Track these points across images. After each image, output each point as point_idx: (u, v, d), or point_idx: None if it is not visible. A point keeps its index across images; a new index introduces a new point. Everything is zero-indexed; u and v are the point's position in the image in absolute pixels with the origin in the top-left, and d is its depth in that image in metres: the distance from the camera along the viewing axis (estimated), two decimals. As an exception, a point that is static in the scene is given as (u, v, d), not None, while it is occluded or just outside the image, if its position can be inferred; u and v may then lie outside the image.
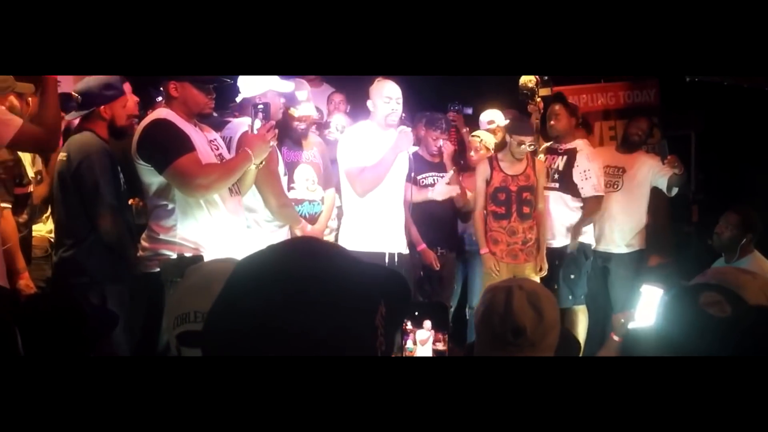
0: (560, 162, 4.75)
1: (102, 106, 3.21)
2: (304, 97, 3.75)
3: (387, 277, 0.88)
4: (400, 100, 3.81)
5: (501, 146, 4.59)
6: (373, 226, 3.76)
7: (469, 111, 5.35)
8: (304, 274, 0.80)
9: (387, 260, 3.72)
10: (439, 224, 4.56)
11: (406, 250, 3.86)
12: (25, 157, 3.44)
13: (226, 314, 0.81)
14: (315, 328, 0.77)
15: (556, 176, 4.75)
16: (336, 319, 0.78)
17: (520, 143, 4.38)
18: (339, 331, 0.78)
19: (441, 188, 4.02)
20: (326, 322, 0.77)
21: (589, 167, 4.67)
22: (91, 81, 3.24)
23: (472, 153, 4.94)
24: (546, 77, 5.30)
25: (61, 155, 3.22)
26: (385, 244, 3.75)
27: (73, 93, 3.26)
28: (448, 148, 4.57)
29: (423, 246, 4.44)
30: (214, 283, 1.37)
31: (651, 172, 4.84)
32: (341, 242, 3.86)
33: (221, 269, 1.33)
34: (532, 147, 4.50)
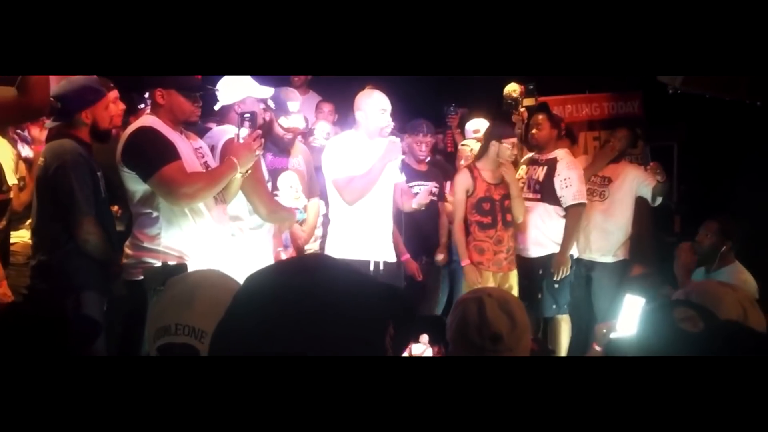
0: (541, 172, 4.77)
1: (84, 111, 3.17)
2: (295, 108, 3.74)
3: (394, 297, 0.88)
4: (390, 111, 3.82)
5: (481, 154, 4.55)
6: (360, 234, 3.76)
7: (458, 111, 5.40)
8: (315, 299, 0.80)
9: (372, 269, 3.73)
10: (424, 234, 4.57)
11: (391, 259, 3.86)
12: (7, 164, 3.41)
13: (233, 333, 0.81)
14: (326, 351, 0.77)
15: (537, 186, 4.75)
16: (347, 342, 0.78)
17: (513, 146, 4.39)
18: (350, 353, 0.78)
19: (421, 199, 4.03)
20: (338, 345, 0.78)
21: (569, 175, 4.67)
22: (68, 86, 3.17)
23: (462, 161, 4.96)
24: (531, 87, 5.34)
25: (39, 160, 3.21)
26: (371, 252, 3.76)
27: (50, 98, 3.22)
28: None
29: (407, 256, 4.45)
30: (196, 294, 1.38)
31: (636, 182, 4.87)
32: (327, 250, 3.87)
33: (204, 280, 1.33)
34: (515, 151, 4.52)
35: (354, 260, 3.70)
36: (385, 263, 3.79)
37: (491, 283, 4.41)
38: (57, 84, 3.18)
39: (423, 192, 4.03)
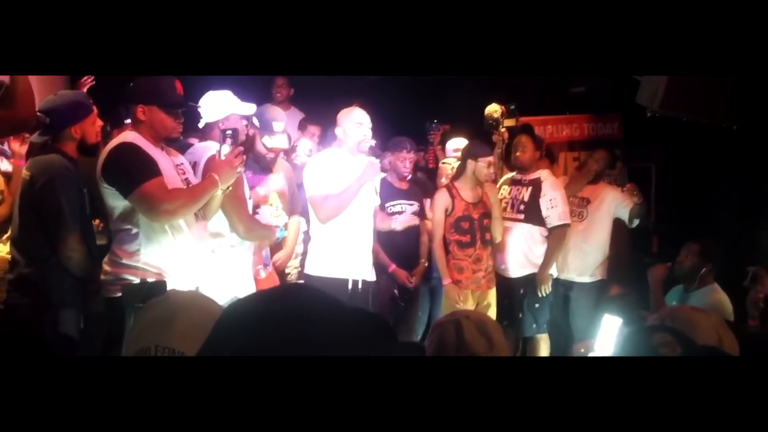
0: (525, 193, 4.80)
1: (74, 126, 3.17)
2: (280, 128, 3.74)
3: (375, 328, 0.88)
4: (370, 126, 3.82)
5: (459, 174, 4.58)
6: (339, 252, 3.76)
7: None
8: (296, 325, 0.80)
9: (350, 287, 3.72)
10: (403, 253, 4.58)
11: (370, 277, 3.86)
12: None
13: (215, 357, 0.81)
14: None
15: (522, 207, 4.78)
16: None
17: (489, 165, 4.43)
18: None
19: (403, 218, 4.04)
20: None
21: (554, 195, 4.72)
22: (58, 100, 3.18)
23: (443, 179, 4.99)
24: (512, 107, 5.39)
25: (25, 174, 3.17)
26: (350, 271, 3.76)
27: (38, 113, 3.20)
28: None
29: (393, 266, 4.47)
30: (177, 316, 1.37)
31: (614, 203, 4.93)
32: (307, 267, 3.86)
33: (185, 302, 1.33)
34: (492, 169, 4.55)
35: (332, 278, 3.71)
36: (364, 282, 3.79)
37: (470, 301, 4.43)
38: (45, 99, 3.19)
39: (406, 215, 4.03)
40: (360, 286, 3.76)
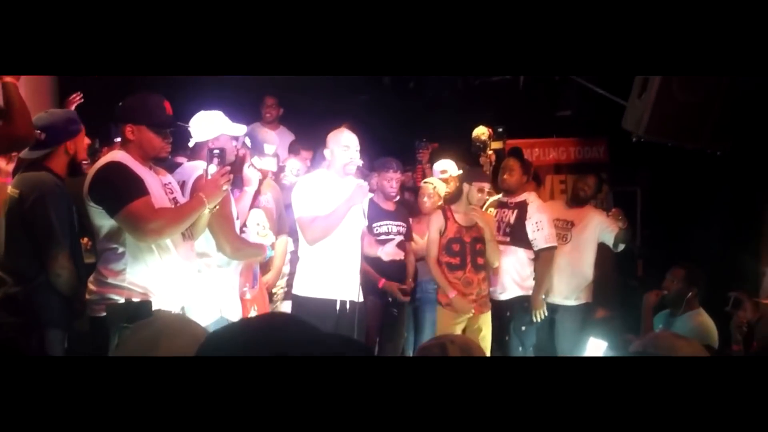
0: (511, 216, 4.83)
1: (67, 142, 3.19)
2: (271, 151, 3.77)
3: (354, 351, 0.89)
4: (358, 149, 3.85)
5: (455, 197, 4.63)
6: (327, 273, 3.76)
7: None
8: (279, 351, 0.81)
9: (338, 307, 3.72)
10: (389, 274, 4.58)
11: (358, 298, 3.86)
12: None
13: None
14: None
15: (508, 230, 4.81)
16: None
17: (481, 190, 4.46)
18: None
19: (389, 249, 4.05)
20: None
21: (540, 218, 4.75)
22: (51, 117, 3.20)
23: (425, 199, 5.02)
24: (500, 130, 5.45)
25: (12, 191, 3.16)
26: (337, 291, 3.76)
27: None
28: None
29: (383, 281, 4.49)
30: (160, 341, 1.37)
31: (599, 228, 4.95)
32: (295, 288, 3.86)
33: (168, 327, 1.32)
34: (492, 197, 4.58)
35: (321, 299, 3.71)
36: (351, 302, 3.79)
37: (460, 325, 4.45)
38: (36, 116, 3.20)
39: (392, 246, 4.04)
40: (348, 306, 3.76)
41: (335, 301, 3.74)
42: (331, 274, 3.76)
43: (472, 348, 1.74)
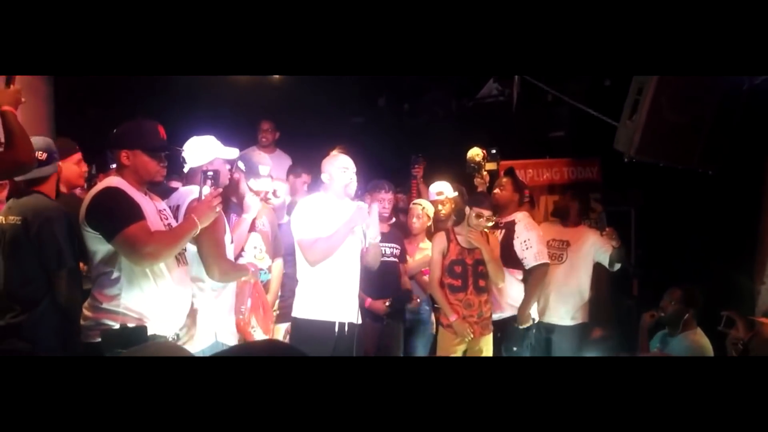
0: (499, 235, 4.84)
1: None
2: (265, 172, 3.82)
3: None
4: (355, 170, 3.91)
5: (459, 219, 4.66)
6: (326, 295, 3.79)
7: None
8: None
9: (337, 329, 3.74)
10: (384, 296, 4.59)
11: (356, 321, 3.88)
12: None
13: None
14: None
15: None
16: None
17: (479, 215, 4.48)
18: None
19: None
20: None
21: (528, 236, 4.75)
22: (48, 139, 3.35)
23: (414, 220, 5.04)
24: (494, 151, 5.48)
25: (14, 219, 3.21)
26: (336, 314, 3.78)
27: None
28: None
29: (369, 300, 4.51)
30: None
31: (594, 247, 4.95)
32: (295, 310, 3.88)
33: (161, 352, 1.33)
34: (491, 223, 4.59)
35: (320, 321, 3.75)
36: (350, 324, 3.80)
37: (460, 346, 4.46)
38: (34, 139, 3.29)
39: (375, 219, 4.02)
40: (346, 328, 3.78)
41: (334, 323, 3.76)
42: (331, 296, 3.79)
43: None
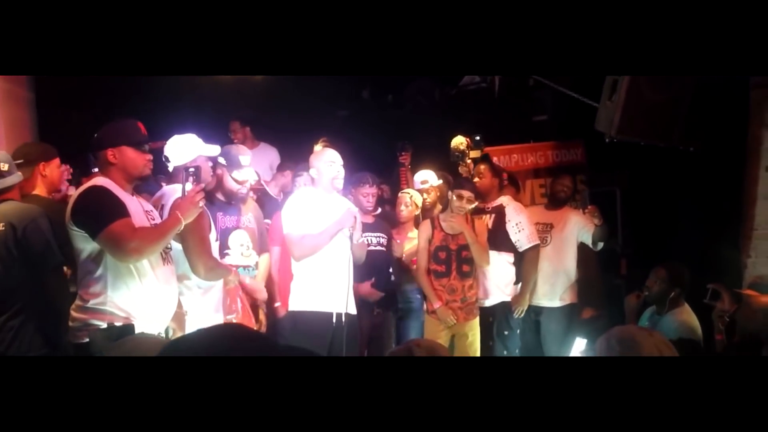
0: (489, 221, 4.87)
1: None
2: (247, 162, 3.84)
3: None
4: (342, 163, 3.94)
5: (444, 206, 4.67)
6: (321, 286, 3.83)
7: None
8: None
9: (335, 320, 3.78)
10: (375, 285, 4.61)
11: (352, 311, 3.90)
12: None
13: None
14: None
15: (487, 235, 4.84)
16: None
17: (459, 197, 4.50)
18: None
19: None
20: None
21: (520, 219, 4.82)
22: (2, 152, 3.40)
23: (402, 208, 5.06)
24: (477, 138, 5.51)
25: None
26: (333, 304, 3.81)
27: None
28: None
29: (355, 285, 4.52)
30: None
31: (577, 227, 5.00)
32: (291, 304, 3.92)
33: (137, 348, 1.35)
34: (473, 205, 4.61)
35: (317, 312, 3.79)
36: (347, 314, 3.84)
37: (445, 332, 4.48)
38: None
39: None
40: (344, 318, 3.81)
41: (331, 313, 3.80)
42: (326, 287, 3.83)
43: (438, 351, 1.78)
